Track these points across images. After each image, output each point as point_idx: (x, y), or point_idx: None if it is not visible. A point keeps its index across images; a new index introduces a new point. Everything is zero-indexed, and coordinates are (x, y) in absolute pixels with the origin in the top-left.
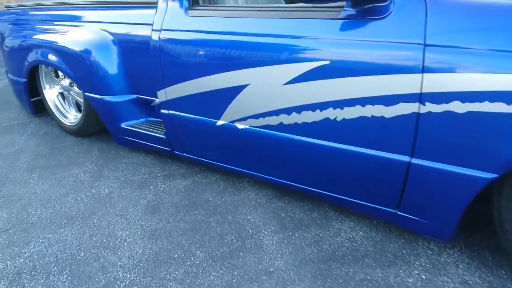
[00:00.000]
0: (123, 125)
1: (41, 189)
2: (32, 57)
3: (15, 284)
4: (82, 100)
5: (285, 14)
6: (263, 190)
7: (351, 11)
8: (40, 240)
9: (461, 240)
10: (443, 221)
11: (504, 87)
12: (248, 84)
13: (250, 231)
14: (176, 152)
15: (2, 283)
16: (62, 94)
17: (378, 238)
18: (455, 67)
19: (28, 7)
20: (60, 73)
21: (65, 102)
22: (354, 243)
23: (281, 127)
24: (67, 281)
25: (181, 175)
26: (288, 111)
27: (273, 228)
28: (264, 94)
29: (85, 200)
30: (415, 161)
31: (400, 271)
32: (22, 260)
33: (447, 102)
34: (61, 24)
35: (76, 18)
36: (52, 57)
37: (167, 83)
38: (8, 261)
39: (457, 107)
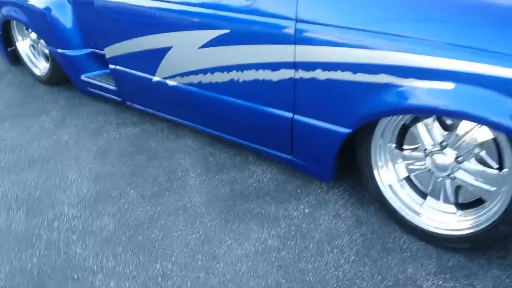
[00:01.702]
0: (82, 77)
1: (11, 137)
2: (3, 13)
3: None
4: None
5: None
6: (199, 137)
7: None
8: (5, 181)
9: (347, 180)
10: (321, 164)
11: (351, 59)
12: (172, 46)
13: (179, 173)
14: (127, 102)
15: None
16: (33, 45)
17: (281, 179)
18: (317, 40)
19: None
20: None
21: (36, 54)
22: (261, 183)
23: (200, 85)
24: (23, 216)
25: (132, 123)
26: (204, 71)
27: (199, 171)
28: (185, 55)
29: (46, 146)
30: (296, 116)
31: (290, 207)
32: None
33: (312, 70)
34: None
35: None
36: (20, 14)
37: (110, 41)
38: None
39: (319, 74)
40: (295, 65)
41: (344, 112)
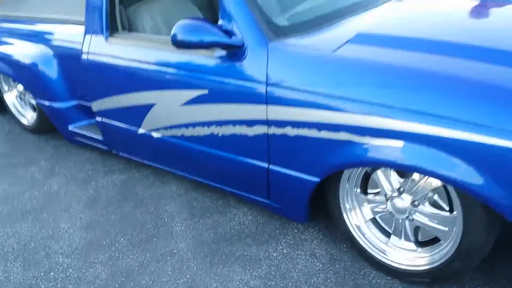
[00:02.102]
0: (70, 128)
1: (3, 188)
2: None
3: None
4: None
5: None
6: (183, 182)
7: (222, 52)
8: (1, 233)
9: (322, 220)
10: (296, 208)
11: (316, 119)
12: (155, 103)
13: (165, 219)
14: (113, 151)
15: None
16: (20, 96)
17: (261, 221)
18: (286, 101)
19: None
20: None
21: (23, 104)
22: (242, 226)
23: (183, 137)
24: (20, 267)
25: (119, 170)
26: (186, 126)
27: (184, 216)
28: (168, 112)
29: (38, 196)
30: (271, 166)
31: (270, 248)
32: None
33: (283, 127)
34: (14, 37)
35: (27, 33)
36: (7, 69)
37: (97, 96)
38: None
39: (289, 131)
40: (267, 122)
41: (312, 163)
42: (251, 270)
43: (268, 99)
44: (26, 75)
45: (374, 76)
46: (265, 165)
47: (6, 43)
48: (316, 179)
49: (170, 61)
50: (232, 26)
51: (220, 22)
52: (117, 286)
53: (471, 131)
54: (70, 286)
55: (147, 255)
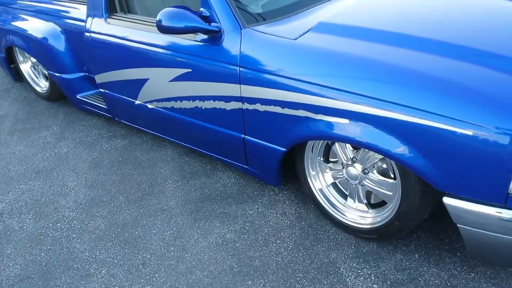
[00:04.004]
0: (78, 96)
1: (19, 150)
2: (7, 40)
3: None
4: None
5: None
6: (177, 148)
7: (203, 36)
8: (16, 190)
9: (295, 185)
10: (269, 173)
11: (280, 97)
12: (149, 79)
13: (159, 180)
14: (116, 118)
15: None
16: (34, 66)
17: (242, 184)
18: (255, 82)
19: None
20: None
21: (37, 73)
22: (225, 187)
23: (172, 109)
24: (32, 218)
25: (121, 136)
26: (175, 99)
27: (176, 177)
28: (159, 86)
29: (49, 158)
30: (246, 136)
31: (247, 207)
32: (3, 204)
33: (254, 104)
34: (28, 13)
35: (40, 11)
36: (21, 43)
37: (99, 70)
38: None
39: (259, 107)
40: (241, 99)
41: (278, 135)
42: (228, 225)
43: (241, 79)
44: (38, 49)
45: (327, 63)
46: (241, 135)
47: (22, 19)
48: (283, 149)
49: (160, 42)
50: (210, 13)
51: (200, 9)
52: (113, 236)
53: (406, 113)
54: (74, 235)
55: (141, 211)
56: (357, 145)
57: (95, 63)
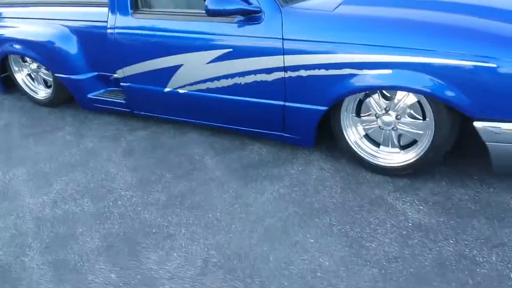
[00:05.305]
0: (89, 96)
1: (41, 150)
2: (4, 49)
3: (55, 208)
4: (49, 79)
5: (202, 18)
6: (202, 131)
7: (241, 17)
8: (59, 181)
9: (323, 147)
10: (306, 135)
11: (324, 61)
12: (182, 64)
13: (197, 158)
14: (135, 111)
15: (47, 209)
16: (29, 75)
17: (275, 151)
18: (299, 51)
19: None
20: (27, 58)
21: (34, 81)
22: (261, 156)
23: (208, 90)
24: (89, 201)
25: (141, 128)
26: (211, 79)
27: (211, 154)
28: (194, 70)
29: (78, 153)
30: (287, 103)
31: (287, 167)
32: (52, 195)
33: (297, 71)
34: (29, 20)
35: (42, 15)
36: (23, 49)
37: (124, 64)
38: (44, 196)
39: (303, 73)
40: (284, 69)
41: (321, 96)
42: (278, 183)
43: (284, 51)
44: (44, 53)
45: (366, 26)
46: (282, 103)
47: (21, 26)
48: (324, 108)
49: (195, 29)
50: None
51: None
52: (177, 203)
53: (439, 57)
54: (139, 208)
55: (193, 183)
56: (401, 90)
57: (118, 58)
